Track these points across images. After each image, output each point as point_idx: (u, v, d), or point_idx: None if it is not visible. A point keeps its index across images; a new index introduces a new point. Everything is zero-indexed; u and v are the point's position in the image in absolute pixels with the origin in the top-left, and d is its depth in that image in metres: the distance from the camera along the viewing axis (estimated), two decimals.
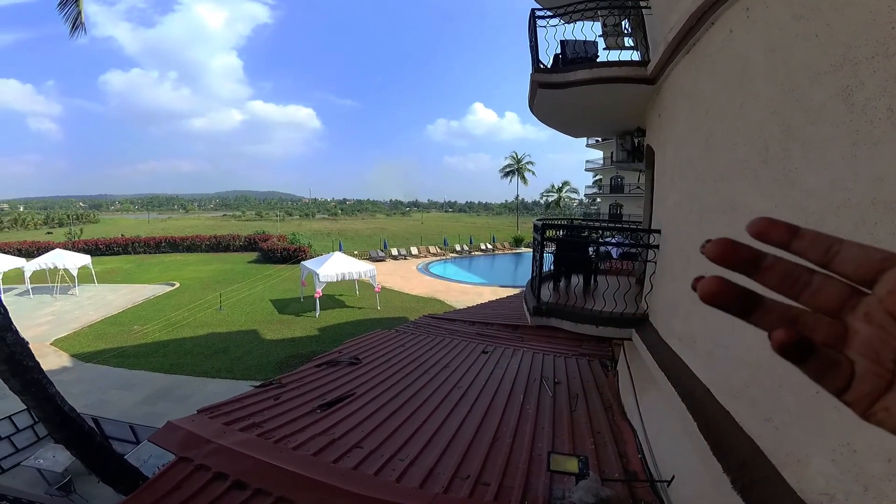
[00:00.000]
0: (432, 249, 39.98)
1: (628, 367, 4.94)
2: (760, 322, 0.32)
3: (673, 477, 2.81)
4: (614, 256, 8.47)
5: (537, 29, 4.96)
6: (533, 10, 4.97)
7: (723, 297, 0.31)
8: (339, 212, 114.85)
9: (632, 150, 6.37)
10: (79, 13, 9.12)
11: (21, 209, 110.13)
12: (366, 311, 19.35)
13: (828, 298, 0.30)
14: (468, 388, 4.95)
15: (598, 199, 43.69)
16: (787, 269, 0.31)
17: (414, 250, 38.51)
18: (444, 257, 38.30)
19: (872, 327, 0.29)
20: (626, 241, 7.33)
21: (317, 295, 18.32)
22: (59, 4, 8.85)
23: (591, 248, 6.60)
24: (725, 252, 0.31)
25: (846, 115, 1.34)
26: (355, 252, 34.17)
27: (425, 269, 31.45)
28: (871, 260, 0.29)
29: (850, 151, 1.36)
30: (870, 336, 0.29)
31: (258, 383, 5.08)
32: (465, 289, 24.79)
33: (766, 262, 0.31)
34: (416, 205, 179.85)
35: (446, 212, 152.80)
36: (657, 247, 4.15)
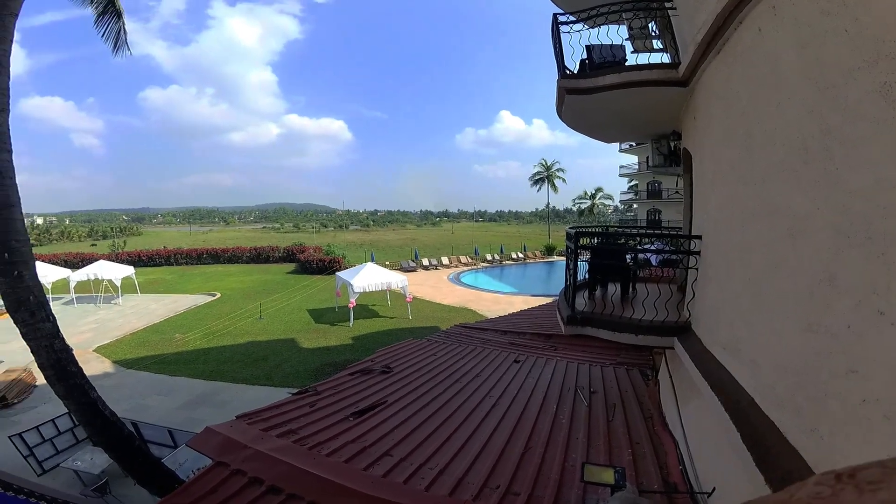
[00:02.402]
0: (463, 259, 39.99)
1: (670, 377, 4.78)
2: None
3: (714, 489, 2.70)
4: (654, 263, 8.24)
5: (561, 34, 4.94)
6: (555, 16, 4.94)
7: None
8: (371, 223, 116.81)
9: (668, 155, 6.21)
10: (120, 30, 9.35)
11: (67, 222, 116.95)
12: (397, 321, 19.52)
13: None
14: (500, 398, 4.91)
15: (635, 206, 42.66)
16: None
17: (445, 260, 38.63)
18: (474, 267, 38.23)
19: None
20: (666, 248, 7.13)
21: (350, 305, 18.65)
22: (95, 22, 9.06)
23: (628, 256, 6.44)
24: None
25: (886, 111, 1.28)
26: (387, 262, 34.63)
27: (456, 279, 31.48)
28: None
29: (893, 149, 1.30)
30: None
31: (295, 390, 5.21)
32: (497, 298, 24.63)
33: None
34: (446, 215, 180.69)
35: (476, 221, 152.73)
36: (698, 253, 4.02)
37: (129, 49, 9.75)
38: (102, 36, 9.37)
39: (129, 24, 9.77)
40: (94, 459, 7.77)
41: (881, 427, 1.31)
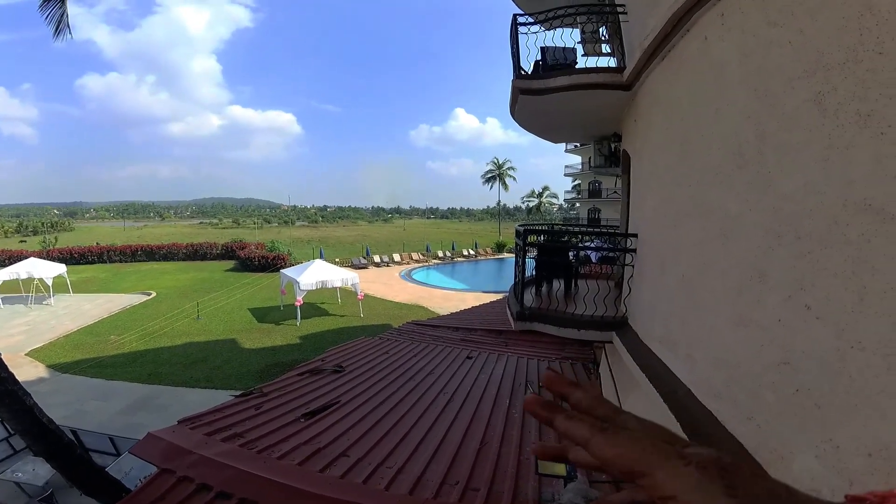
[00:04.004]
0: (415, 256, 39.85)
1: (610, 370, 5.00)
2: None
3: None
4: (593, 260, 8.59)
5: (519, 35, 5.02)
6: (515, 17, 5.02)
7: (536, 410, 0.40)
8: (320, 219, 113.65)
9: (609, 156, 6.48)
10: (63, 14, 8.91)
11: None
12: (348, 319, 19.14)
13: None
14: (454, 394, 4.93)
15: (577, 204, 44.24)
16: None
17: (396, 257, 38.33)
18: (426, 264, 38.22)
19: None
20: (605, 246, 7.45)
21: (297, 303, 18.03)
22: (40, 6, 8.62)
23: (571, 253, 6.67)
24: (548, 382, 0.42)
25: (819, 119, 1.39)
26: (337, 259, 33.85)
27: (408, 276, 31.34)
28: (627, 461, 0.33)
29: (822, 155, 1.41)
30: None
31: (238, 393, 4.97)
32: (449, 295, 24.77)
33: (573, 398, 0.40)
34: (398, 211, 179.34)
35: (428, 218, 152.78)
36: (634, 250, 4.22)
37: (70, 32, 9.24)
38: (46, 19, 8.87)
39: (74, 9, 9.23)
40: (36, 470, 7.29)
41: (814, 414, 1.41)
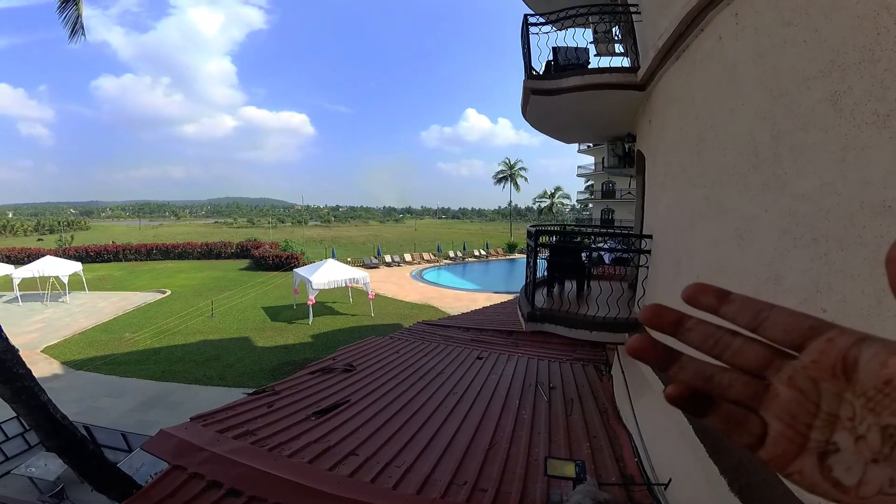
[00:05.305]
0: (426, 256, 39.92)
1: (623, 372, 4.95)
2: (677, 376, 0.35)
3: (670, 480, 2.81)
4: (606, 262, 8.53)
5: (530, 36, 5.00)
6: (526, 17, 5.00)
7: (644, 352, 0.35)
8: (333, 219, 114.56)
9: (623, 156, 6.42)
10: (78, 16, 9.11)
11: (10, 215, 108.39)
12: (360, 318, 19.25)
13: (748, 359, 0.32)
14: (464, 394, 4.93)
15: (590, 205, 43.98)
16: (707, 331, 0.34)
17: (408, 257, 38.43)
18: (437, 264, 38.25)
19: (793, 391, 0.30)
20: (619, 247, 7.39)
21: (310, 302, 18.19)
22: (58, 8, 8.84)
23: (584, 254, 6.63)
24: (651, 316, 0.35)
25: (835, 119, 1.37)
26: (349, 259, 34.09)
27: (419, 276, 31.40)
28: (799, 327, 0.30)
29: (838, 156, 1.38)
30: (789, 399, 0.30)
31: (251, 391, 5.04)
32: (459, 295, 24.76)
33: (688, 325, 0.34)
34: (409, 211, 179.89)
35: (440, 218, 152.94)
36: (649, 252, 4.18)
37: (84, 35, 9.44)
38: (63, 20, 9.10)
39: (88, 11, 9.47)
40: (48, 465, 7.39)
41: None
